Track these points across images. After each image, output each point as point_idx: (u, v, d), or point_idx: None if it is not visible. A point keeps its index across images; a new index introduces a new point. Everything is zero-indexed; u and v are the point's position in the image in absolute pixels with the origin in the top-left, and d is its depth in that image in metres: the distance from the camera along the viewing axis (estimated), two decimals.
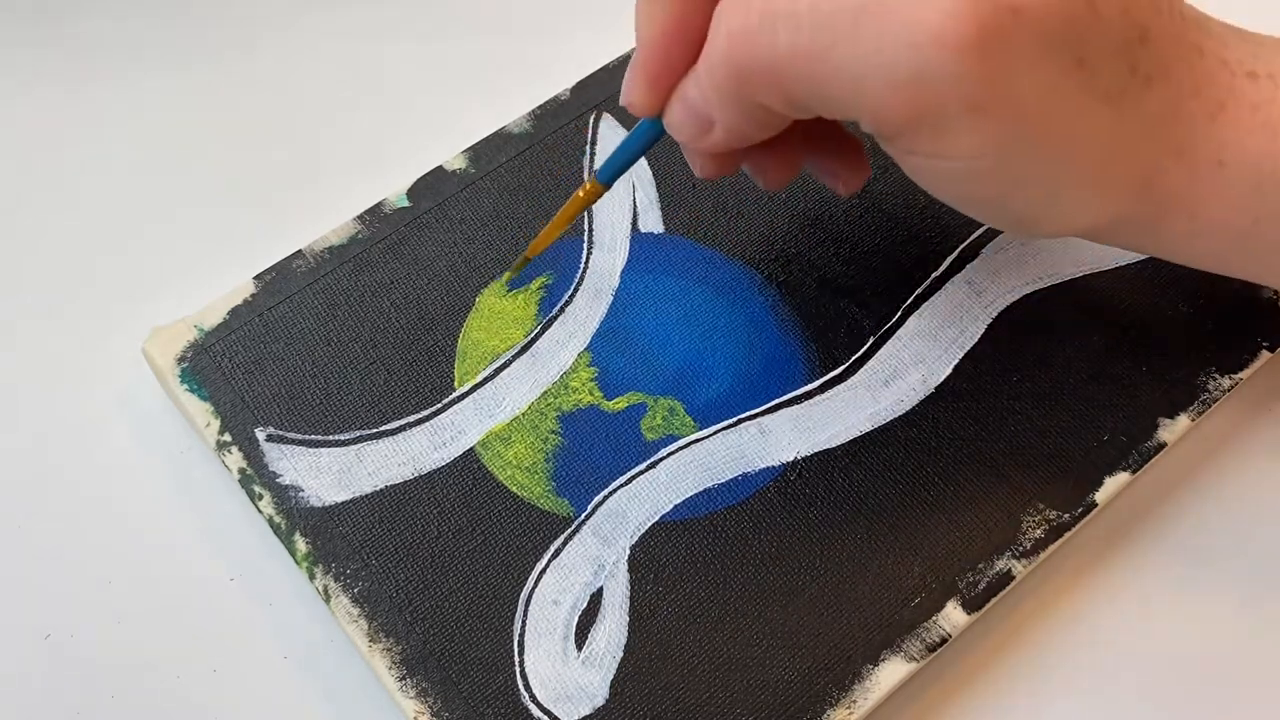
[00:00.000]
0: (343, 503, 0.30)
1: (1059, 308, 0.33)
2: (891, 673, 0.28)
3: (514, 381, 0.32)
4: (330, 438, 0.31)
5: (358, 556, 0.29)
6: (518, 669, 0.28)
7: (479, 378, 0.32)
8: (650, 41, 0.25)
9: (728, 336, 0.33)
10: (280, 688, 0.30)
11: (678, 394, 0.32)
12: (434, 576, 0.29)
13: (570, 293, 0.33)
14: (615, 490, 0.31)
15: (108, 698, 0.29)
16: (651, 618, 0.29)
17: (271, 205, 0.37)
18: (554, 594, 0.29)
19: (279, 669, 0.30)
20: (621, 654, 0.28)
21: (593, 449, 0.31)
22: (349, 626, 0.29)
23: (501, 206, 0.35)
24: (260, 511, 0.30)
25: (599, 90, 0.37)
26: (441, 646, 0.28)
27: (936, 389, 0.32)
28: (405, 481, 0.30)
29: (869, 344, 0.33)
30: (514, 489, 0.30)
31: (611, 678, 0.28)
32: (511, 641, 0.28)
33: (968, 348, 0.33)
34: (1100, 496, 0.31)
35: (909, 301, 0.33)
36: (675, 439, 0.31)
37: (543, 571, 0.29)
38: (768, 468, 0.31)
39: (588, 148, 0.36)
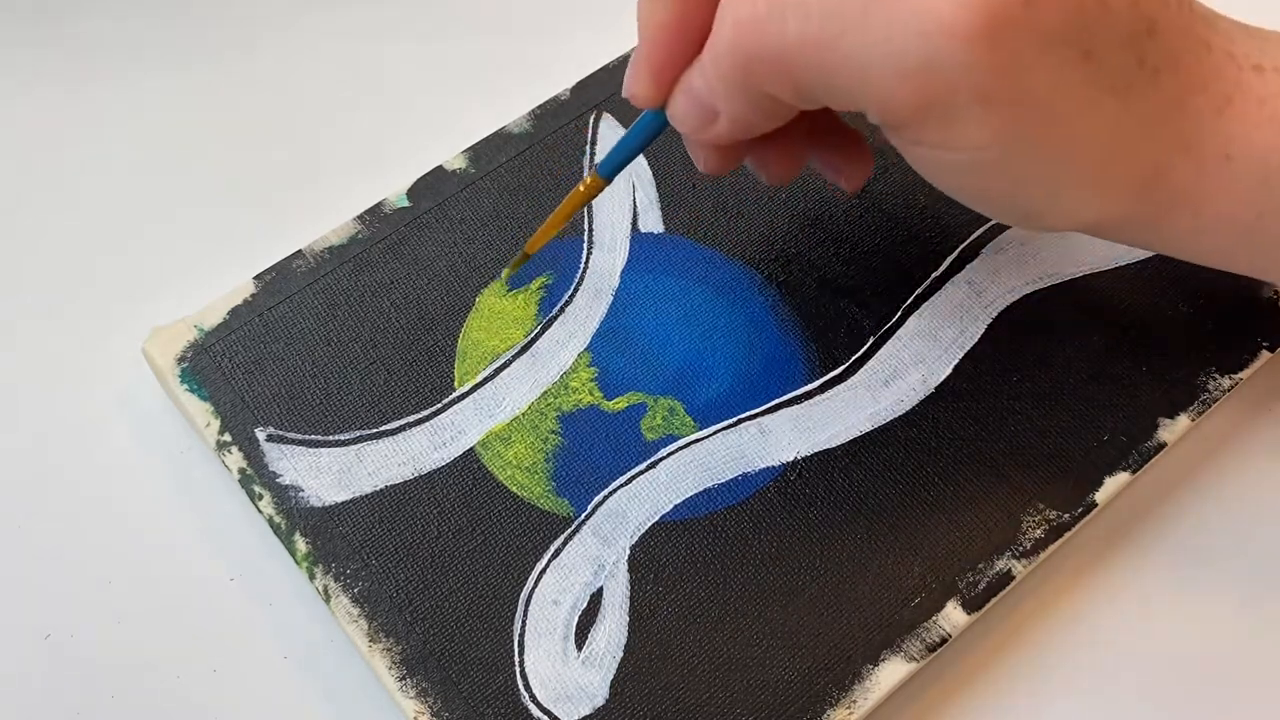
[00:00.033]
0: (343, 503, 0.30)
1: (1059, 308, 0.33)
2: (891, 673, 0.28)
3: (514, 381, 0.32)
4: (330, 438, 0.31)
5: (358, 556, 0.29)
6: (518, 669, 0.28)
7: (479, 378, 0.32)
8: (653, 33, 0.25)
9: (728, 336, 0.33)
10: (280, 688, 0.30)
11: (678, 394, 0.32)
12: (434, 576, 0.29)
13: (570, 293, 0.33)
14: (615, 490, 0.31)
15: (108, 698, 0.29)
16: (651, 618, 0.29)
17: (271, 205, 0.37)
18: (554, 594, 0.29)
19: (279, 669, 0.30)
20: (621, 654, 0.28)
21: (593, 449, 0.31)
22: (349, 626, 0.29)
23: (501, 206, 0.35)
24: (260, 511, 0.30)
25: (599, 90, 0.37)
26: (441, 646, 0.28)
27: (936, 389, 0.32)
28: (405, 481, 0.30)
29: (869, 344, 0.33)
30: (514, 489, 0.30)
31: (611, 678, 0.28)
32: (511, 641, 0.28)
33: (968, 348, 0.33)
34: (1100, 496, 0.31)
35: (909, 301, 0.33)
36: (675, 439, 0.31)
37: (543, 571, 0.29)
38: (768, 468, 0.31)
39: (588, 148, 0.36)
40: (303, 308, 0.33)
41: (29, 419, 0.33)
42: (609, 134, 0.36)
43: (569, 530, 0.30)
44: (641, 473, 0.31)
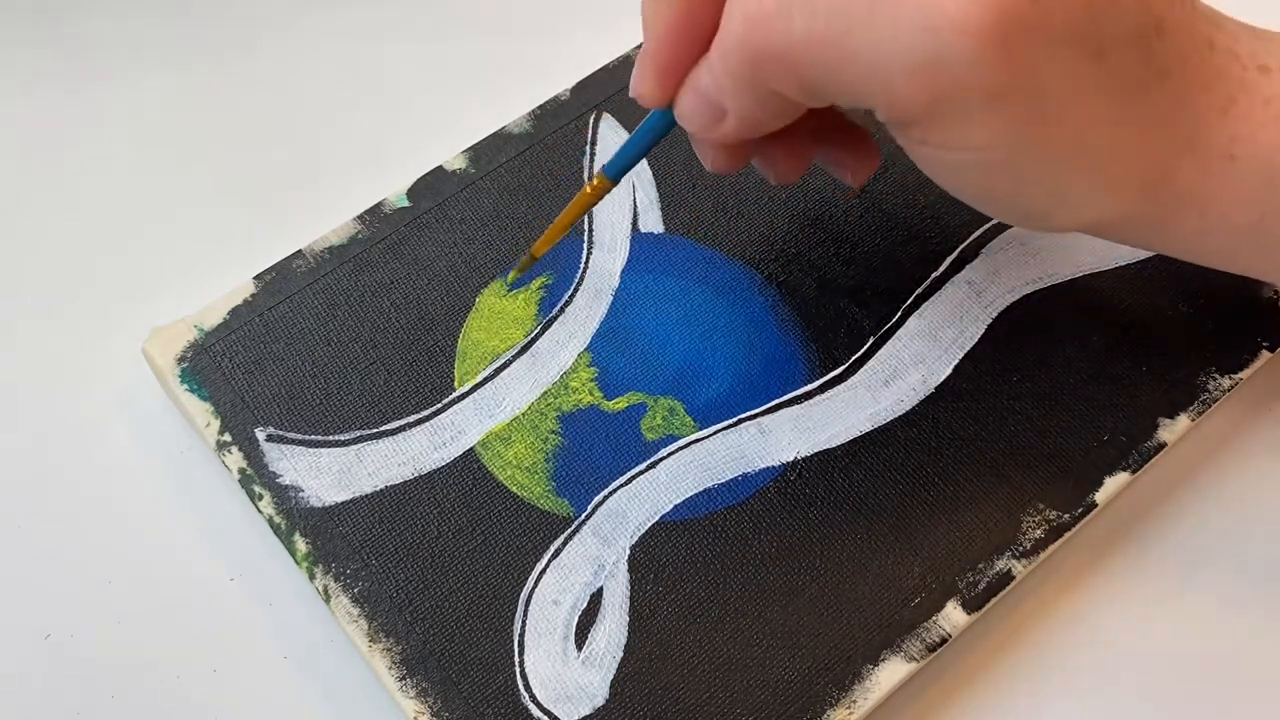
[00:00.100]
0: (343, 503, 0.30)
1: (1059, 308, 0.33)
2: (891, 673, 0.28)
3: (514, 381, 0.32)
4: (330, 438, 0.31)
5: (358, 556, 0.29)
6: (518, 669, 0.28)
7: (479, 378, 0.32)
8: (660, 31, 0.25)
9: (728, 336, 0.33)
10: (280, 688, 0.30)
11: (678, 394, 0.32)
12: (434, 576, 0.29)
13: (570, 293, 0.33)
14: (615, 490, 0.31)
15: (108, 698, 0.29)
16: (651, 618, 0.29)
17: (271, 205, 0.37)
18: (554, 594, 0.29)
19: (279, 669, 0.30)
20: (621, 654, 0.28)
21: (593, 449, 0.31)
22: (349, 626, 0.29)
23: (501, 206, 0.35)
24: (260, 511, 0.30)
25: (599, 90, 0.37)
26: (441, 646, 0.28)
27: (936, 389, 0.32)
28: (405, 481, 0.30)
29: (869, 344, 0.33)
30: (514, 489, 0.30)
31: (611, 678, 0.28)
32: (511, 641, 0.28)
33: (968, 348, 0.33)
34: (1100, 496, 0.31)
35: (909, 301, 0.33)
36: (675, 439, 0.31)
37: (543, 571, 0.29)
38: (768, 468, 0.31)
39: (588, 148, 0.36)
40: (303, 308, 0.33)
41: (29, 419, 0.33)
42: (609, 134, 0.36)
43: (569, 530, 0.30)
44: (641, 473, 0.31)
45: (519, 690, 0.28)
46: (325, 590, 0.29)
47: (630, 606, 0.29)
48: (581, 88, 0.37)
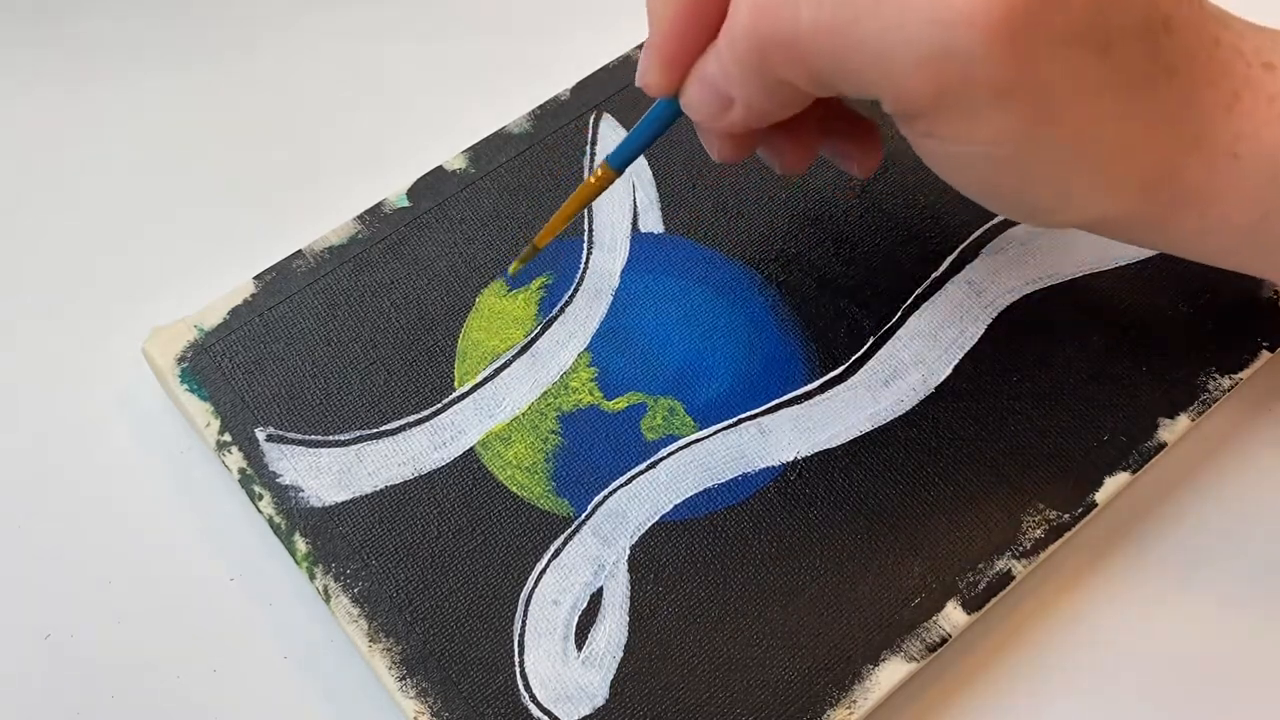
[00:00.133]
0: (343, 503, 0.30)
1: (1059, 308, 0.33)
2: (891, 673, 0.28)
3: (514, 381, 0.32)
4: (330, 438, 0.31)
5: (358, 556, 0.29)
6: (518, 669, 0.28)
7: (479, 378, 0.32)
8: (667, 20, 0.25)
9: (728, 336, 0.33)
10: (280, 688, 0.30)
11: (678, 394, 0.32)
12: (434, 576, 0.29)
13: (570, 293, 0.33)
14: (615, 490, 0.31)
15: (108, 698, 0.29)
16: (651, 618, 0.29)
17: (271, 205, 0.37)
18: (554, 594, 0.29)
19: (279, 669, 0.30)
20: (621, 654, 0.28)
21: (593, 449, 0.31)
22: (349, 626, 0.29)
23: (501, 206, 0.35)
24: (260, 511, 0.30)
25: (599, 90, 0.37)
26: (441, 646, 0.28)
27: (936, 389, 0.32)
28: (405, 481, 0.30)
29: (869, 344, 0.33)
30: (514, 489, 0.30)
31: (611, 678, 0.28)
32: (511, 641, 0.28)
33: (968, 348, 0.33)
34: (1100, 496, 0.31)
35: (909, 301, 0.33)
36: (675, 439, 0.31)
37: (543, 571, 0.29)
38: (768, 468, 0.31)
39: (588, 148, 0.36)
40: (303, 308, 0.33)
41: (29, 419, 0.33)
42: (609, 134, 0.36)
43: (569, 530, 0.30)
44: (641, 473, 0.31)
45: (519, 690, 0.28)
46: (325, 590, 0.29)
47: (630, 606, 0.29)
48: (581, 88, 0.37)
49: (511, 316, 0.33)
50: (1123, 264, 0.34)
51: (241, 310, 0.33)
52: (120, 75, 0.40)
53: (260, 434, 0.31)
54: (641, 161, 0.36)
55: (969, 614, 0.29)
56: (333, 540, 0.29)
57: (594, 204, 0.35)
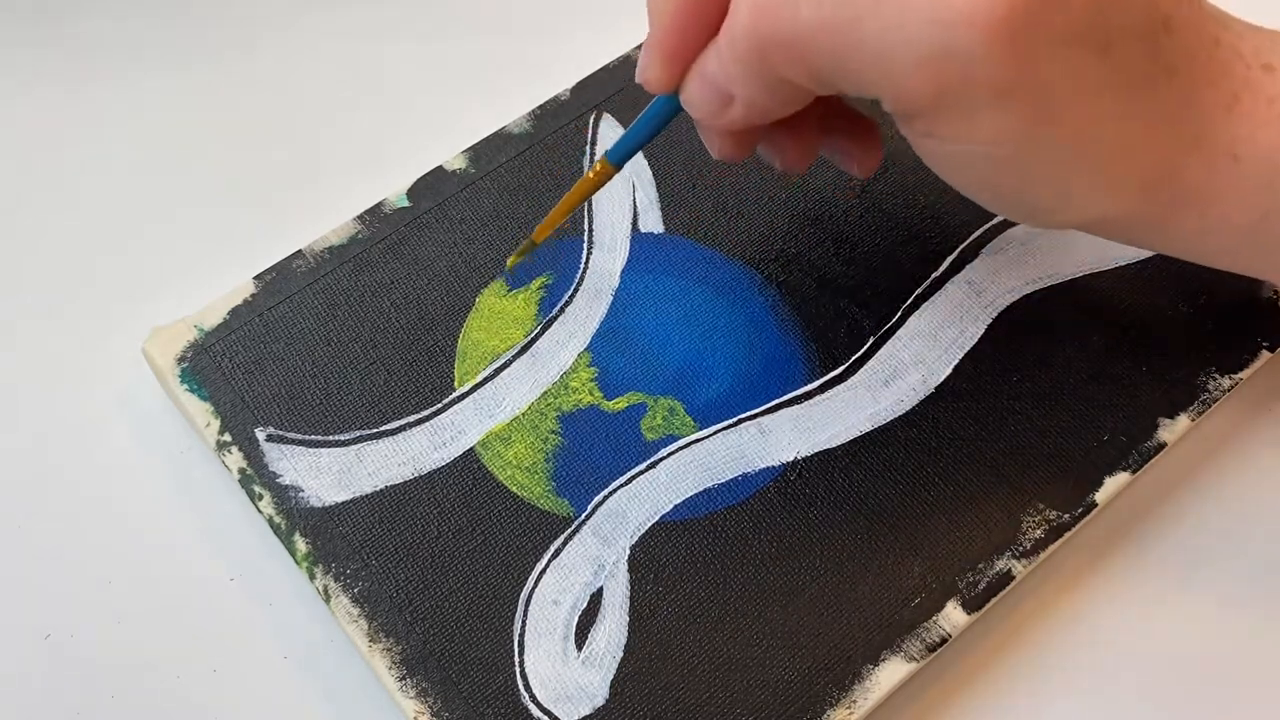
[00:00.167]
0: (343, 503, 0.30)
1: (1059, 308, 0.33)
2: (891, 673, 0.28)
3: (514, 381, 0.32)
4: (330, 438, 0.31)
5: (358, 556, 0.29)
6: (518, 669, 0.28)
7: (479, 378, 0.32)
8: (666, 17, 0.25)
9: (728, 336, 0.33)
10: (280, 688, 0.30)
11: (678, 394, 0.32)
12: (434, 576, 0.29)
13: (570, 293, 0.33)
14: (615, 490, 0.31)
15: (108, 698, 0.29)
16: (651, 618, 0.29)
17: (271, 205, 0.37)
18: (554, 594, 0.29)
19: (279, 669, 0.30)
20: (621, 654, 0.28)
21: (593, 449, 0.31)
22: (349, 626, 0.29)
23: (501, 206, 0.35)
24: (260, 511, 0.30)
25: (599, 90, 0.37)
26: (441, 646, 0.28)
27: (936, 389, 0.32)
28: (405, 481, 0.30)
29: (869, 344, 0.33)
30: (514, 489, 0.30)
31: (611, 678, 0.28)
32: (511, 641, 0.28)
33: (968, 348, 0.33)
34: (1100, 496, 0.31)
35: (909, 301, 0.33)
36: (675, 439, 0.31)
37: (543, 571, 0.29)
38: (768, 468, 0.31)
39: (588, 148, 0.36)
40: (303, 308, 0.33)
41: (29, 419, 0.33)
42: (609, 134, 0.36)
43: (569, 530, 0.30)
44: (641, 473, 0.31)
45: (519, 690, 0.28)
46: (325, 590, 0.29)
47: (630, 606, 0.29)
48: (581, 88, 0.37)
49: (511, 316, 0.33)
50: (1123, 264, 0.34)
51: (241, 310, 0.33)
52: (120, 75, 0.40)
53: (260, 434, 0.31)
54: (641, 161, 0.36)
55: (969, 614, 0.29)
56: (333, 540, 0.29)
57: (594, 204, 0.35)
